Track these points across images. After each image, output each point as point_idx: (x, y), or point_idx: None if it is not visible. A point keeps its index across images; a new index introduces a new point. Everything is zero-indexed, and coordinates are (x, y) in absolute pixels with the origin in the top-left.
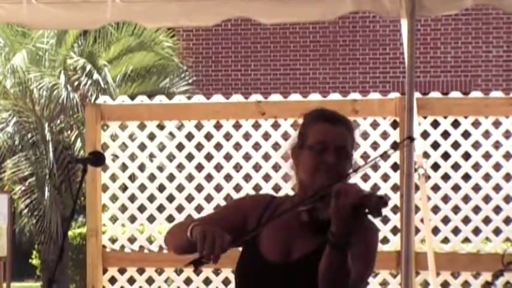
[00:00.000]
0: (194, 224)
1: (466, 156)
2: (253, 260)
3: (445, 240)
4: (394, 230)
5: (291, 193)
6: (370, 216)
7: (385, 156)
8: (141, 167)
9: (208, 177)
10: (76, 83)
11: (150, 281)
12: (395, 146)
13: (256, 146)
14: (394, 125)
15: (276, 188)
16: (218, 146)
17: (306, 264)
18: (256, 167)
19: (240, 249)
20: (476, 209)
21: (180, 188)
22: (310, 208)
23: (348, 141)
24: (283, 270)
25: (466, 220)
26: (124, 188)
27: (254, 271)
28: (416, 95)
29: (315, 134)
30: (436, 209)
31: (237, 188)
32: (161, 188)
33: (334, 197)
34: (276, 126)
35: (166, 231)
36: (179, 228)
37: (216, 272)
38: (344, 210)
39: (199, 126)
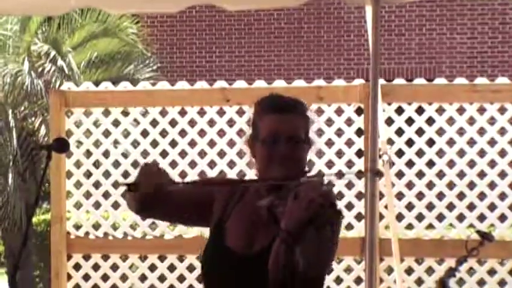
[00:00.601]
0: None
1: (430, 142)
2: (218, 249)
3: (409, 227)
4: (359, 217)
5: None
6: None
7: (342, 177)
8: (106, 154)
9: (173, 164)
10: (40, 70)
11: (114, 267)
12: (359, 174)
13: (221, 133)
14: (359, 111)
15: (241, 174)
16: (183, 133)
17: (265, 256)
18: (221, 154)
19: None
20: (440, 196)
21: None
22: (268, 204)
23: (299, 127)
24: (244, 261)
25: (430, 206)
26: (88, 174)
27: (218, 261)
28: (381, 81)
29: (265, 127)
30: (400, 196)
31: (202, 174)
32: (126, 175)
33: (293, 198)
34: (240, 112)
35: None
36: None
37: (181, 259)
38: (297, 216)
39: (163, 113)
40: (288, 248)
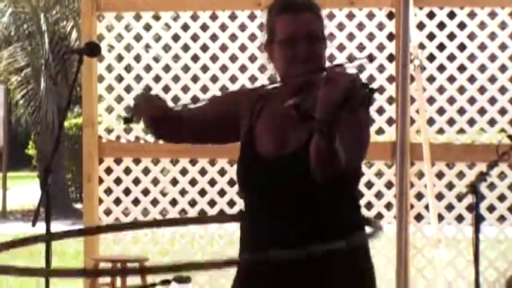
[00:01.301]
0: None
1: (462, 47)
2: (250, 157)
3: (440, 131)
4: (390, 121)
5: None
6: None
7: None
8: (137, 58)
9: (204, 69)
10: None
11: (146, 171)
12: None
13: (252, 37)
14: (390, 16)
15: (272, 79)
16: (214, 37)
17: (301, 155)
18: (252, 58)
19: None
20: (472, 100)
21: (176, 79)
22: (297, 102)
23: (316, 25)
24: (280, 164)
25: (461, 111)
26: (120, 78)
27: (251, 167)
28: None
29: (281, 28)
30: (431, 100)
31: (233, 79)
32: (157, 79)
33: (324, 84)
34: None
35: None
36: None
37: (212, 163)
38: (331, 98)
39: (195, 17)
40: (327, 139)
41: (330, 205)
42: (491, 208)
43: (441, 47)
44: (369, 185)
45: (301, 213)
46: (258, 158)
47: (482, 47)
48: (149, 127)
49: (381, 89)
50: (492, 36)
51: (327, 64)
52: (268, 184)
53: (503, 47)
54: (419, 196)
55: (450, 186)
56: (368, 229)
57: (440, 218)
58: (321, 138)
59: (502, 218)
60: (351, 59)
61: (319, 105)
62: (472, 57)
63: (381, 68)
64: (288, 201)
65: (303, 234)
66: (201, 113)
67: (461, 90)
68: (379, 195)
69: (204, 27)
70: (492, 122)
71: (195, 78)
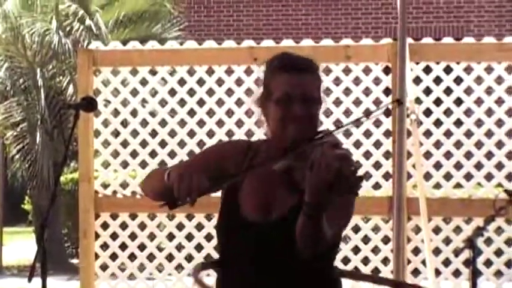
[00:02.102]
0: (171, 168)
1: (458, 102)
2: (233, 217)
3: (437, 186)
4: (386, 176)
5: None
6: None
7: (370, 117)
8: (133, 113)
9: (201, 123)
10: (68, 29)
11: (142, 226)
12: (387, 112)
13: (249, 92)
14: (387, 70)
15: (268, 133)
16: (210, 92)
17: (286, 222)
18: (248, 113)
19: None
20: (468, 155)
21: (172, 133)
22: (284, 167)
23: (313, 87)
24: (263, 229)
25: (458, 165)
26: (116, 133)
27: (234, 231)
28: (409, 40)
29: (279, 86)
30: (428, 155)
31: (229, 133)
32: (153, 134)
33: (309, 169)
34: None
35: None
36: (156, 173)
37: (209, 217)
38: (317, 185)
39: (191, 72)
40: (314, 222)
41: (309, 273)
42: (488, 263)
43: (438, 101)
44: (366, 239)
45: (281, 277)
46: (241, 220)
47: (478, 101)
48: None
49: (378, 144)
50: (489, 90)
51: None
52: (249, 248)
53: (499, 101)
54: (416, 251)
55: (447, 241)
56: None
57: (438, 273)
58: (309, 222)
59: (499, 273)
60: (339, 125)
61: (307, 188)
62: (468, 112)
63: (378, 123)
64: (268, 265)
65: None
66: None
67: (458, 144)
68: (375, 250)
69: (200, 82)
70: (489, 177)
71: (191, 133)
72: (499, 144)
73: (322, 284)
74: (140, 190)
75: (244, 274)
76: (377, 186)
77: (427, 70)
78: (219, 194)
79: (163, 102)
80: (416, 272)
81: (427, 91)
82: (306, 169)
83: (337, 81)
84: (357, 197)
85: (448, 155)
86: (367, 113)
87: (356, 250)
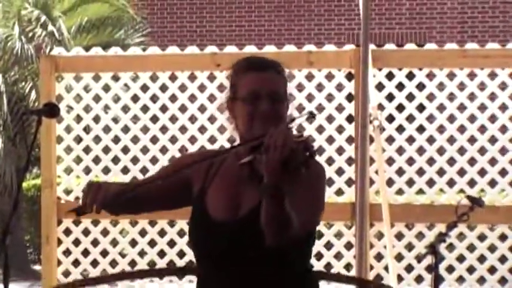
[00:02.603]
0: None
1: (421, 108)
2: (202, 220)
3: (400, 192)
4: (349, 182)
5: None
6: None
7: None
8: (96, 119)
9: (163, 129)
10: (30, 35)
11: (104, 232)
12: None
13: (212, 98)
14: (349, 76)
15: (231, 140)
16: (173, 98)
17: (254, 218)
18: (211, 119)
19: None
20: (431, 161)
21: (135, 139)
22: (249, 161)
23: (279, 85)
24: (231, 228)
25: (421, 172)
26: (79, 139)
27: (203, 231)
28: (371, 46)
29: (245, 85)
30: (390, 161)
31: (192, 139)
32: (116, 140)
33: (264, 152)
34: None
35: None
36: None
37: (171, 224)
38: (273, 165)
39: (154, 78)
40: (276, 203)
41: (282, 267)
42: (450, 269)
43: (400, 107)
44: (329, 245)
45: (254, 276)
46: (210, 221)
47: (441, 107)
48: (103, 210)
49: (340, 150)
50: (451, 97)
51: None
52: (221, 246)
53: (461, 108)
54: (379, 257)
55: (410, 247)
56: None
57: (400, 279)
58: (270, 203)
59: (461, 279)
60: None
61: (264, 172)
62: (431, 118)
63: (340, 129)
64: (240, 264)
65: None
66: (154, 187)
67: (421, 151)
68: (338, 256)
69: (163, 88)
70: (451, 183)
71: (154, 139)
72: (461, 150)
73: (295, 278)
74: None
75: (220, 274)
76: (340, 192)
77: (390, 76)
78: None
79: (126, 109)
80: (378, 278)
81: (390, 97)
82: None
83: (300, 87)
84: None
85: (410, 161)
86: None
87: (319, 256)
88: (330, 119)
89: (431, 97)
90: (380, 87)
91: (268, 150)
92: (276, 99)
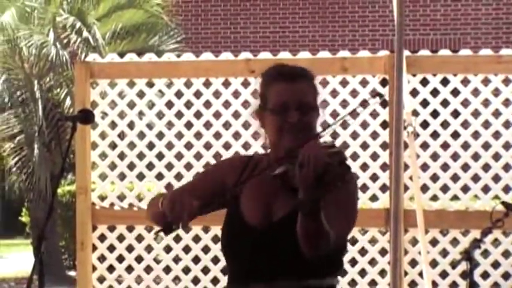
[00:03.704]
0: (165, 196)
1: (455, 114)
2: (236, 224)
3: (434, 198)
4: (383, 188)
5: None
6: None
7: (354, 113)
8: (131, 125)
9: (198, 135)
10: (65, 41)
11: (139, 238)
12: (364, 103)
13: (246, 104)
14: (384, 82)
15: (266, 146)
16: (207, 104)
17: (287, 225)
18: (245, 125)
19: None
20: (465, 167)
21: (170, 145)
22: (281, 173)
23: (309, 95)
24: (265, 233)
25: (455, 178)
26: (113, 145)
27: (237, 235)
28: (406, 53)
29: (274, 96)
30: (425, 167)
31: (226, 146)
32: (150, 146)
33: (298, 167)
34: None
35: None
36: (153, 201)
37: (206, 230)
38: (307, 181)
39: (188, 84)
40: (313, 219)
41: (315, 274)
42: (485, 275)
43: (435, 113)
44: (363, 251)
45: (286, 282)
46: (243, 227)
47: (475, 113)
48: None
49: (375, 156)
50: (486, 102)
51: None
52: (253, 252)
53: (496, 113)
54: (413, 263)
55: (444, 253)
56: None
57: (435, 285)
58: (307, 217)
59: (496, 285)
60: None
61: (300, 187)
62: (465, 124)
63: (375, 135)
64: (273, 270)
65: None
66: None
67: (455, 156)
68: (373, 262)
69: (198, 94)
70: (486, 189)
71: (188, 145)
72: (496, 157)
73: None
74: (137, 201)
75: (251, 279)
76: (374, 198)
77: (424, 82)
78: None
79: (160, 115)
80: (413, 284)
81: (424, 103)
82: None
83: (334, 93)
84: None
85: (445, 167)
86: (351, 112)
87: (353, 262)
88: (364, 125)
89: (465, 103)
90: (414, 93)
91: (302, 166)
92: (306, 110)
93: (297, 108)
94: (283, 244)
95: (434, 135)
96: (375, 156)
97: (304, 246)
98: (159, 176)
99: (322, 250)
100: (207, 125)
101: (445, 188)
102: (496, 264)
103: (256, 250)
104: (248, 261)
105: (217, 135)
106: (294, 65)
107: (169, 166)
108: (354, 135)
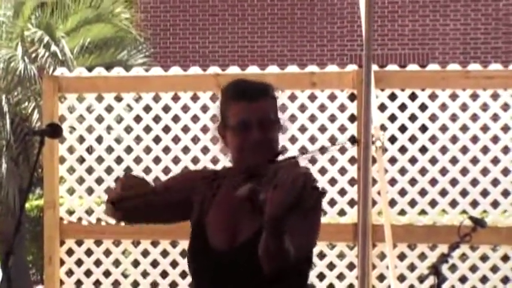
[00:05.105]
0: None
1: (423, 128)
2: (201, 248)
3: (402, 212)
4: (351, 203)
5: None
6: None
7: (325, 150)
8: (99, 139)
9: (166, 150)
10: (34, 55)
11: (107, 252)
12: (352, 141)
13: (214, 118)
14: (352, 97)
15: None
16: (176, 118)
17: (251, 247)
18: (214, 140)
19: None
20: (433, 182)
21: (138, 160)
22: (248, 193)
23: (270, 111)
24: (229, 256)
25: (423, 192)
26: (81, 160)
27: (200, 254)
28: (374, 67)
29: (234, 115)
30: (393, 182)
31: (195, 160)
32: (119, 160)
33: (272, 189)
34: None
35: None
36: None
37: (174, 244)
38: (280, 203)
39: (157, 99)
40: (276, 238)
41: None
42: None
43: (403, 128)
44: (331, 266)
45: None
46: (208, 249)
47: (443, 128)
48: (125, 214)
49: (343, 171)
50: (453, 117)
51: (282, 154)
52: (219, 274)
53: (464, 128)
54: (382, 278)
55: (412, 267)
56: None
57: None
58: (270, 238)
59: None
60: (303, 151)
61: (269, 206)
62: (433, 139)
63: (343, 150)
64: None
65: None
66: (159, 195)
67: (423, 171)
68: (341, 276)
69: (166, 108)
70: (454, 204)
71: (156, 160)
72: (464, 171)
73: None
74: (105, 216)
75: None
76: (342, 212)
77: (392, 97)
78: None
79: (128, 129)
80: None
81: (392, 118)
82: (267, 190)
83: (302, 108)
84: (321, 224)
85: (413, 181)
86: (323, 149)
87: (321, 277)
88: (333, 140)
89: (433, 118)
90: (382, 108)
91: (275, 188)
92: (267, 126)
93: (258, 126)
94: (246, 266)
95: (402, 149)
96: (343, 171)
97: (263, 264)
98: None
99: (281, 267)
100: (176, 140)
101: (413, 203)
102: (463, 279)
103: (218, 271)
104: (210, 281)
105: (186, 150)
106: (252, 82)
107: None
108: (323, 150)
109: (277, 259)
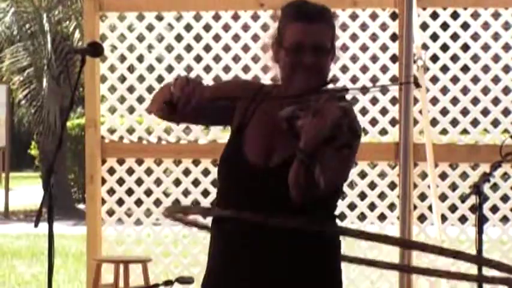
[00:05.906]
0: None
1: (465, 47)
2: (236, 158)
3: (444, 132)
4: (393, 122)
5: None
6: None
7: (384, 89)
8: (140, 58)
9: (207, 69)
10: None
11: (148, 171)
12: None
13: (255, 38)
14: (393, 16)
15: (275, 79)
16: (217, 38)
17: (284, 170)
18: (255, 59)
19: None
20: (475, 101)
21: None
22: (289, 115)
23: (326, 38)
24: (262, 174)
25: (465, 111)
26: (123, 79)
27: (235, 170)
28: None
29: (290, 35)
30: (434, 101)
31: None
32: (160, 79)
33: (312, 115)
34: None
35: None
36: (163, 87)
37: (214, 163)
38: (316, 133)
39: (197, 17)
40: (307, 169)
41: (305, 217)
42: (494, 209)
43: (444, 47)
44: (372, 185)
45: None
46: (242, 161)
47: (485, 47)
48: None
49: (384, 90)
50: (496, 36)
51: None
52: (247, 188)
53: (506, 47)
54: (423, 197)
55: (453, 187)
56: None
57: (444, 218)
58: (301, 167)
59: (505, 219)
60: (353, 83)
61: (304, 135)
62: (475, 58)
63: (384, 69)
64: (265, 210)
65: (278, 244)
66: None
67: (465, 90)
68: (382, 196)
69: (207, 28)
70: (495, 123)
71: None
72: (506, 91)
73: (317, 238)
74: (146, 136)
75: (230, 206)
76: (383, 132)
77: (434, 16)
78: (225, 139)
79: (169, 48)
80: (422, 218)
81: (434, 37)
82: (306, 117)
83: (343, 26)
84: (362, 144)
85: (454, 101)
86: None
87: (362, 196)
88: (374, 58)
89: (476, 37)
90: (424, 26)
91: (315, 115)
92: (321, 52)
93: (312, 50)
94: (276, 188)
95: (444, 69)
96: (384, 90)
97: (293, 193)
98: None
99: (308, 198)
100: (216, 59)
101: (454, 122)
102: (505, 198)
103: (252, 187)
104: (236, 189)
105: (227, 69)
106: (313, 4)
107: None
108: (364, 69)
109: (304, 189)
